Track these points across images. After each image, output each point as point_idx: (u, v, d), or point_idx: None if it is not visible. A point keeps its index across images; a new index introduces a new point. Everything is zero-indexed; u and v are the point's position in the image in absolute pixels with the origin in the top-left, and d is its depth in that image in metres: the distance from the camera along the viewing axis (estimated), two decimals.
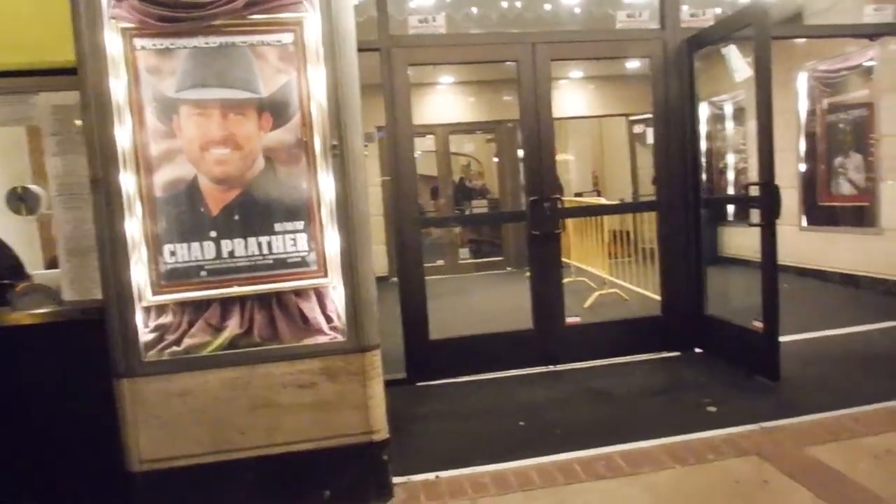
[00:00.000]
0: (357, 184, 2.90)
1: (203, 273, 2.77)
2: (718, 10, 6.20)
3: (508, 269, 10.64)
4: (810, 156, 7.84)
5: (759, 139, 4.39)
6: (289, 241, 2.84)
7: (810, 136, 7.82)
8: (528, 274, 5.14)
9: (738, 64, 5.16)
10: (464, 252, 11.14)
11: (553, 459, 3.36)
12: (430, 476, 3.26)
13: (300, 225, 2.85)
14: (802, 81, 7.82)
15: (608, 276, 7.42)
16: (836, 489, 2.90)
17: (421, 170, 11.24)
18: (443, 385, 4.78)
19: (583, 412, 4.07)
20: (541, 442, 3.62)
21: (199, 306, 2.80)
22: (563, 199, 9.51)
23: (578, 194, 12.56)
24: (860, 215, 7.11)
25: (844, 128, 7.36)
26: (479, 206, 12.15)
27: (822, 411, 3.77)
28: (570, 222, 8.08)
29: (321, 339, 2.91)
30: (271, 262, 2.83)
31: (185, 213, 2.75)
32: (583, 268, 7.97)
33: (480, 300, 8.35)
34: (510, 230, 10.88)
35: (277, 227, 2.83)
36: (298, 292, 2.89)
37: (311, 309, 2.91)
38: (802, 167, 7.90)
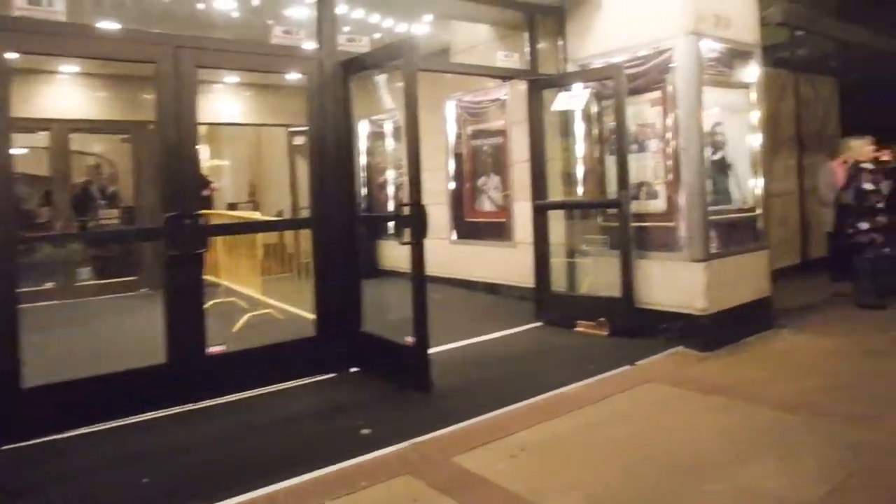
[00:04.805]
0: None
1: None
2: (378, 35, 6.76)
3: (144, 290, 9.71)
4: (458, 175, 9.01)
5: (408, 163, 4.85)
6: None
7: (458, 158, 8.99)
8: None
9: None
10: (85, 271, 9.83)
11: None
12: None
13: None
14: (451, 109, 8.97)
15: (261, 297, 7.32)
16: (478, 495, 3.27)
17: (31, 169, 9.77)
18: (42, 445, 4.08)
19: (227, 454, 3.92)
20: (173, 499, 3.38)
21: None
22: (216, 212, 9.14)
23: (233, 206, 12.25)
24: (499, 230, 8.33)
25: (486, 152, 8.59)
26: (110, 217, 10.92)
27: (470, 418, 4.23)
28: (220, 237, 7.78)
29: None
30: None
31: None
32: (233, 287, 7.72)
33: (104, 330, 7.45)
34: (147, 245, 9.96)
35: None
36: None
37: None
38: (452, 185, 9.01)
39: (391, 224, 9.64)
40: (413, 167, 4.80)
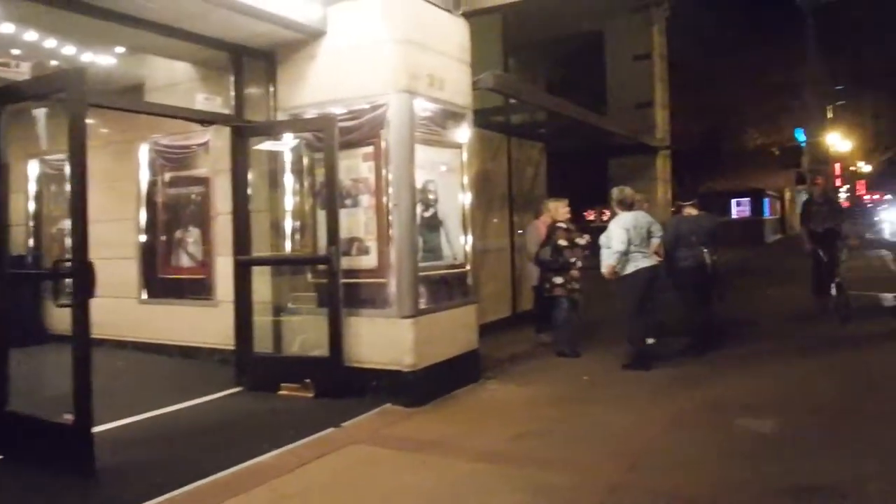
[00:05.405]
0: None
1: None
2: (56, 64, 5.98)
3: None
4: (152, 227, 8.17)
5: (72, 213, 4.35)
6: None
7: (152, 208, 8.18)
8: None
9: None
10: None
11: None
12: None
13: None
14: (145, 153, 8.18)
15: None
16: None
17: None
18: None
19: None
20: None
21: None
22: None
23: None
24: (199, 287, 7.70)
25: (185, 202, 7.95)
26: None
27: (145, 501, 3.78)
28: None
29: None
30: None
31: None
32: None
33: None
34: None
35: None
36: None
37: None
38: (143, 238, 8.17)
39: (68, 281, 8.55)
40: (78, 217, 4.29)
